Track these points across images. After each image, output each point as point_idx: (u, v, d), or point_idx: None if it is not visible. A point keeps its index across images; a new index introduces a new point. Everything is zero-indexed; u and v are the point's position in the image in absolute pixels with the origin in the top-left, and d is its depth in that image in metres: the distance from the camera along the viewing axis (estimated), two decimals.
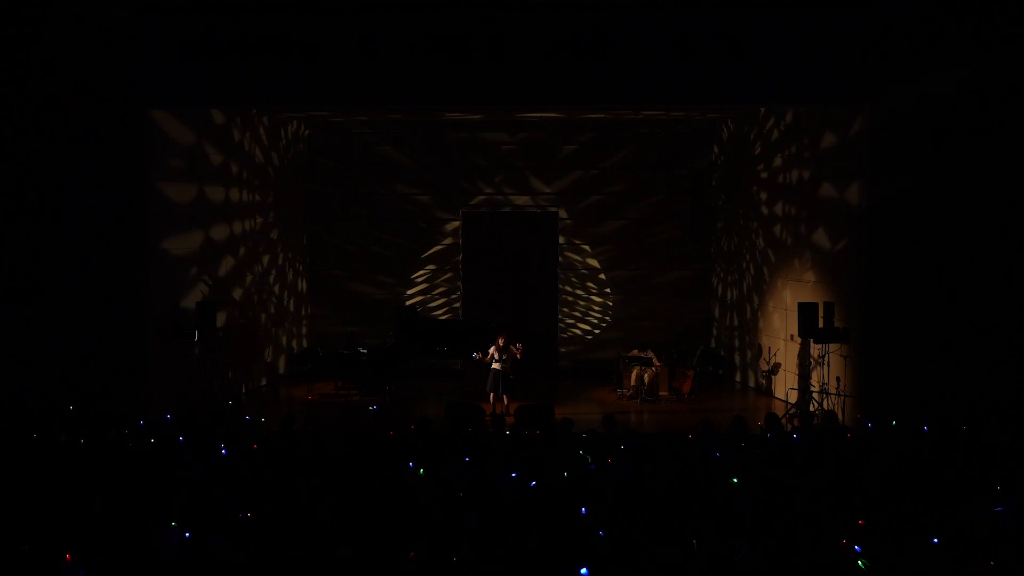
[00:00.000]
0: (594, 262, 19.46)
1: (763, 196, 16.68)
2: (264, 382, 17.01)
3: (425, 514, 7.10)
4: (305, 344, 19.12)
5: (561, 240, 19.41)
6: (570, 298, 19.54)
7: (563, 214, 19.38)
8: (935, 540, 6.39)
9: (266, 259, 17.32)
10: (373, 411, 13.30)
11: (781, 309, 15.74)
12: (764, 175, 16.63)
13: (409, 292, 19.50)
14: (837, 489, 7.82)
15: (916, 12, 12.47)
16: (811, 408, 13.59)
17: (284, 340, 18.21)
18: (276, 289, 17.78)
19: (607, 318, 19.49)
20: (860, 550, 6.22)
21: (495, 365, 14.34)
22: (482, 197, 19.39)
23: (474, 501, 7.46)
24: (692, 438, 10.29)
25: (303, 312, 19.23)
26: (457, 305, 19.43)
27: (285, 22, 12.98)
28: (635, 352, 16.30)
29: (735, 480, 8.10)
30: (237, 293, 16.10)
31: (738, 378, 17.81)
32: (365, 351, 16.46)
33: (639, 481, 8.08)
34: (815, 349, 13.81)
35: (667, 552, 6.31)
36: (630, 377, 16.15)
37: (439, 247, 19.49)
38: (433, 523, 6.88)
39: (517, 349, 14.42)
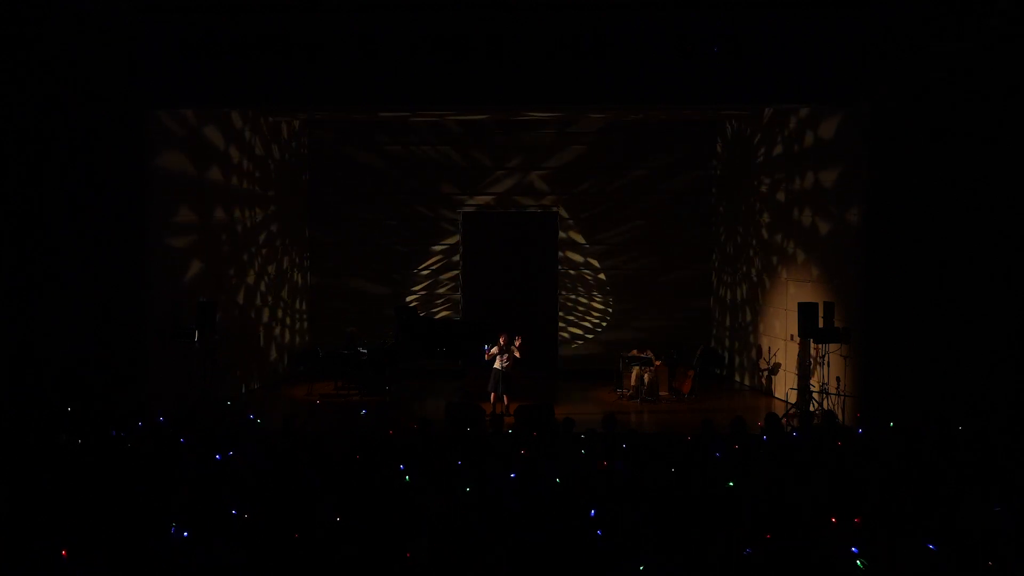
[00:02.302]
0: (594, 262, 19.45)
1: (763, 196, 16.68)
2: (263, 382, 16.99)
3: (425, 514, 7.10)
4: (303, 343, 19.10)
5: (561, 240, 19.41)
6: (570, 298, 19.53)
7: (563, 214, 19.39)
8: (933, 543, 6.39)
9: (272, 265, 17.32)
10: (364, 414, 13.30)
11: (781, 309, 15.74)
12: (764, 174, 16.63)
13: (409, 292, 19.50)
14: (837, 489, 7.81)
15: (915, 12, 12.48)
16: (811, 408, 13.59)
17: (284, 338, 18.20)
18: (277, 287, 17.77)
19: (607, 318, 19.49)
20: (858, 551, 6.22)
21: (495, 364, 14.35)
22: (482, 197, 19.39)
23: (474, 501, 7.45)
24: (692, 438, 10.28)
25: (303, 311, 19.22)
26: (458, 302, 19.42)
27: (285, 22, 12.98)
28: (635, 352, 16.29)
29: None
30: (239, 294, 16.12)
31: (738, 378, 17.81)
32: (365, 351, 16.45)
33: (639, 481, 8.07)
34: (815, 349, 13.82)
35: (668, 553, 6.31)
36: (630, 377, 16.15)
37: (439, 247, 19.49)
38: (433, 523, 6.88)
39: (515, 347, 14.40)
